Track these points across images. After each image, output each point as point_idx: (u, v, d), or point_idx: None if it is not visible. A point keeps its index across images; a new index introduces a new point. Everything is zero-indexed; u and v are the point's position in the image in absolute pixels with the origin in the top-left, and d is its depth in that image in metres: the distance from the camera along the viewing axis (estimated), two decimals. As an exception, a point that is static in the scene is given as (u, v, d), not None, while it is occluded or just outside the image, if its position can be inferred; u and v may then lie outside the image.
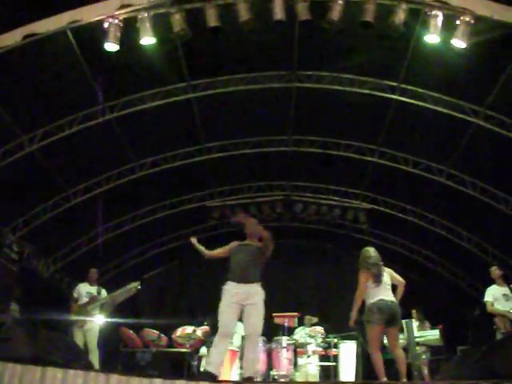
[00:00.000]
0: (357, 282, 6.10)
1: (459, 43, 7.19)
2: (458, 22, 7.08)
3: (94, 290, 8.26)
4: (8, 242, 9.98)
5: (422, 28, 7.51)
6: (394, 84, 9.56)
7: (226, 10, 7.55)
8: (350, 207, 12.73)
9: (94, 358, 7.64)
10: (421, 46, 8.04)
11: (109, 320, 9.37)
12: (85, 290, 8.25)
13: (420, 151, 10.86)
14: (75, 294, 8.28)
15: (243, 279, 5.73)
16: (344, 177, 12.59)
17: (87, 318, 7.95)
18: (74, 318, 8.01)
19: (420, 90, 9.48)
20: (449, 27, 7.15)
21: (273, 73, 9.96)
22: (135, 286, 8.10)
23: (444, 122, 9.60)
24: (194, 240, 6.22)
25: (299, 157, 11.96)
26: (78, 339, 7.71)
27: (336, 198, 12.89)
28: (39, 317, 9.08)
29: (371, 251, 6.24)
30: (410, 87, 9.52)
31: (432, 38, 7.29)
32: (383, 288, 6.03)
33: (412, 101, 9.56)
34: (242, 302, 5.67)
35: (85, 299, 8.15)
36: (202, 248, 6.18)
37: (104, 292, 8.33)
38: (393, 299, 6.02)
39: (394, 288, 6.23)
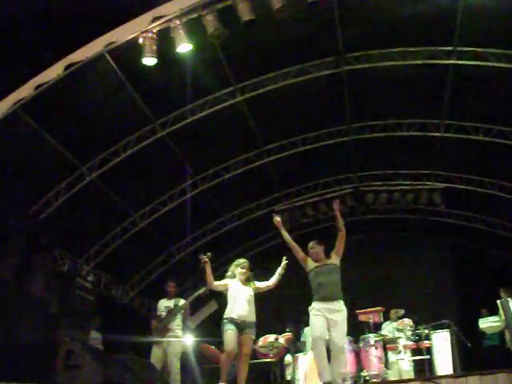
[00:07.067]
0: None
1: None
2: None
3: (171, 303, 8.04)
4: (82, 273, 10.13)
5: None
6: (450, 48, 8.83)
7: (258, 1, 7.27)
8: (423, 189, 12.00)
9: (175, 376, 7.42)
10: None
11: (190, 337, 9.31)
12: (163, 305, 8.08)
13: (489, 116, 9.98)
14: (158, 312, 8.12)
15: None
16: (412, 158, 11.87)
17: (165, 339, 7.72)
18: (153, 337, 7.83)
19: (479, 50, 8.67)
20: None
21: (320, 61, 9.51)
22: (203, 290, 7.79)
23: (511, 78, 8.76)
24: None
25: (362, 145, 11.40)
26: (156, 358, 7.54)
27: (407, 182, 12.19)
28: (121, 342, 9.15)
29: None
30: (466, 48, 8.74)
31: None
32: None
33: (471, 62, 8.77)
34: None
35: (163, 314, 7.97)
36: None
37: (182, 301, 8.08)
38: None
39: None
